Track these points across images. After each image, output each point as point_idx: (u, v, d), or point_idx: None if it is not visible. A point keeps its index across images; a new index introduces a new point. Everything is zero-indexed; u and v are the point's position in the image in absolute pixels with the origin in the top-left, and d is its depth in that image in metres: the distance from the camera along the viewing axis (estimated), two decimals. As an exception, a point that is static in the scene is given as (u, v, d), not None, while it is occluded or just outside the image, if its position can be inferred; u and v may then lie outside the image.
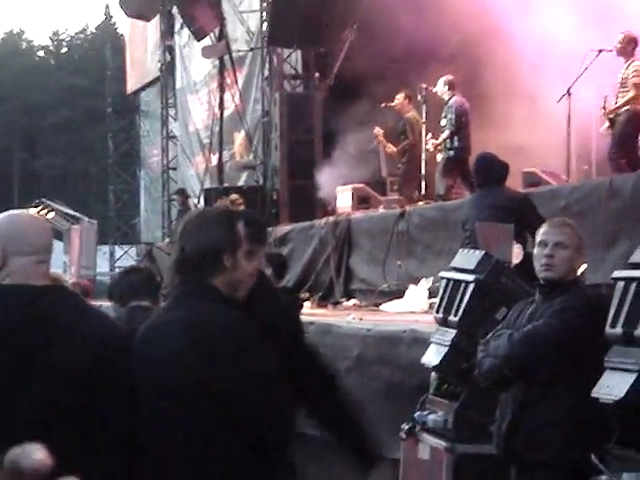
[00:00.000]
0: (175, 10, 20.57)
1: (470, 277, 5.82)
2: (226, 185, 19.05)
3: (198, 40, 19.38)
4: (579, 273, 5.26)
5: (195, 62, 21.16)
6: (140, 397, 3.33)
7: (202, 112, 21.17)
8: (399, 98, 14.21)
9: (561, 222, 5.08)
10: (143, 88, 27.68)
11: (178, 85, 24.08)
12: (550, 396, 4.72)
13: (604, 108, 11.27)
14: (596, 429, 4.48)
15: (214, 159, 19.79)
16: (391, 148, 14.40)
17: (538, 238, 4.94)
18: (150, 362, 3.38)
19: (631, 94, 10.97)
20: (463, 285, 5.87)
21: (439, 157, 13.13)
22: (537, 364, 4.74)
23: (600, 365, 4.43)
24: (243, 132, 19.25)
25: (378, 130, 14.39)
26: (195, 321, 3.39)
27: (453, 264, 6.20)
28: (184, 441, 3.33)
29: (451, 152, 12.89)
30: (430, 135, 13.28)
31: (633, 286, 4.23)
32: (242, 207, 16.24)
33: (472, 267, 5.87)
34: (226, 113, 19.25)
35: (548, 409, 4.71)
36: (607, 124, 11.27)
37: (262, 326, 3.47)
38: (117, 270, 26.10)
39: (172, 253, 3.57)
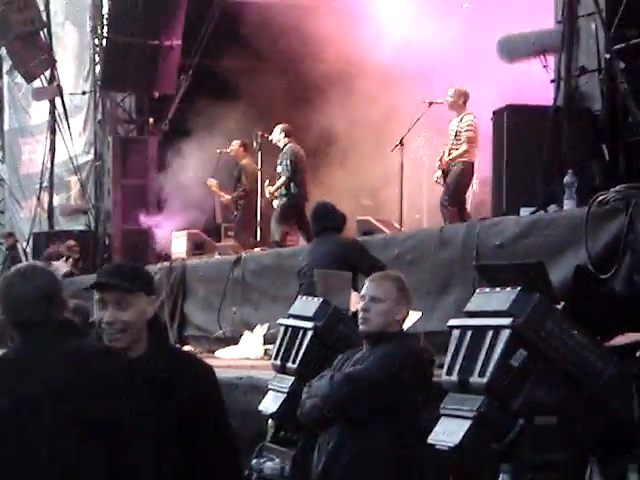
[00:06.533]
0: (3, 51, 20.13)
1: (308, 324, 5.86)
2: (57, 229, 18.68)
3: (28, 82, 19.02)
4: (409, 323, 5.40)
5: (35, 105, 20.74)
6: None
7: (37, 155, 20.73)
8: (234, 145, 14.27)
9: (381, 276, 5.23)
10: (-32, 129, 26.92)
11: (6, 127, 23.53)
12: (366, 436, 4.84)
13: (440, 161, 11.59)
14: (417, 472, 4.64)
15: (46, 203, 19.40)
16: (225, 197, 14.41)
17: (361, 292, 5.08)
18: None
19: (464, 147, 11.33)
20: (301, 332, 5.91)
21: (275, 203, 13.22)
22: (354, 404, 4.88)
23: (417, 410, 4.72)
24: (77, 177, 18.95)
25: (211, 181, 14.38)
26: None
27: (291, 311, 6.25)
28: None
29: (287, 199, 13.00)
30: (267, 182, 13.37)
31: (468, 334, 4.34)
32: (78, 253, 16.03)
33: (310, 314, 5.92)
34: (61, 157, 18.90)
35: (363, 449, 4.84)
36: (439, 173, 11.59)
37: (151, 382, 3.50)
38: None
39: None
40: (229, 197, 14.36)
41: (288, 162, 12.96)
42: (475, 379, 4.22)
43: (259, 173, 13.67)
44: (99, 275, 3.69)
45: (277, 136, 13.20)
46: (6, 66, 21.89)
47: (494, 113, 9.39)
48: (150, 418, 3.48)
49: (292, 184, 12.95)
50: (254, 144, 13.77)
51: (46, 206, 19.24)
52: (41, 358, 3.41)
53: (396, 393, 4.81)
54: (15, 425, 3.30)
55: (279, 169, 13.09)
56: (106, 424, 3.33)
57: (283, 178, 13.00)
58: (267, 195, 13.27)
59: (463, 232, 8.29)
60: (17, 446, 3.31)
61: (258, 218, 13.59)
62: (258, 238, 13.57)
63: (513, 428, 4.14)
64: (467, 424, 4.20)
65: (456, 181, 11.39)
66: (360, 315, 5.01)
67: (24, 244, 19.33)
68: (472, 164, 11.38)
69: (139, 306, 3.61)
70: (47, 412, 3.31)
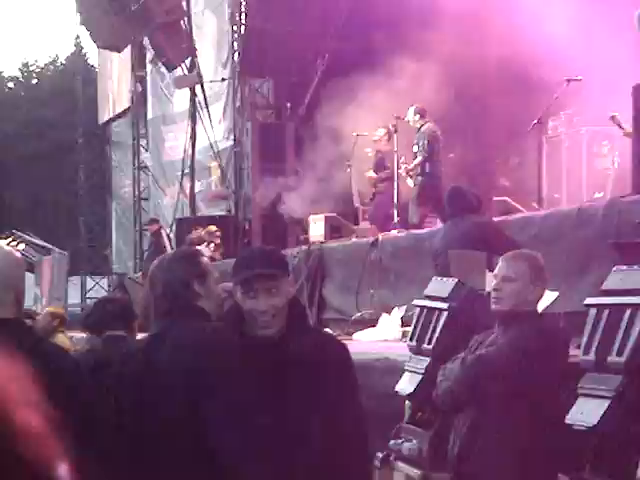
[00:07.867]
0: (146, 41, 20.58)
1: (443, 305, 5.84)
2: (198, 215, 19.03)
3: (169, 71, 19.41)
4: (545, 303, 5.30)
5: (177, 93, 21.18)
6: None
7: (179, 142, 21.16)
8: (380, 133, 14.23)
9: (514, 255, 5.09)
10: (114, 119, 27.60)
11: (150, 116, 24.06)
12: (500, 419, 4.76)
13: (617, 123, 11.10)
14: (554, 455, 4.56)
15: (188, 189, 19.78)
16: (371, 175, 14.33)
17: (495, 271, 5.01)
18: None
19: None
20: (437, 313, 5.89)
21: (410, 183, 13.18)
22: (486, 387, 4.80)
23: (552, 392, 4.59)
24: (217, 162, 19.27)
25: (353, 159, 14.40)
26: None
27: (427, 292, 6.22)
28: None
29: (423, 178, 12.95)
30: (403, 159, 13.32)
31: (605, 313, 4.26)
32: (219, 238, 16.32)
33: (445, 295, 5.90)
34: (202, 144, 19.25)
35: (498, 432, 4.76)
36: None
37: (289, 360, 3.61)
38: (88, 301, 25.94)
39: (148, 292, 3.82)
40: (374, 175, 14.29)
41: (425, 142, 12.91)
42: (613, 358, 4.14)
43: (395, 155, 13.62)
44: (248, 266, 3.69)
45: (412, 117, 13.16)
46: (149, 56, 22.38)
47: (634, 88, 9.15)
48: (283, 394, 3.54)
49: (428, 164, 12.89)
50: (390, 126, 13.73)
51: (188, 192, 19.61)
52: (162, 341, 3.59)
53: (529, 375, 4.70)
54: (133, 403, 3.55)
55: (415, 149, 13.04)
56: (218, 402, 3.44)
57: (419, 158, 12.95)
58: (402, 173, 13.22)
59: (603, 210, 8.13)
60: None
61: (395, 200, 13.55)
62: (395, 220, 13.54)
63: (653, 409, 4.05)
64: (605, 404, 4.13)
65: None
66: (492, 295, 4.94)
67: (167, 230, 19.76)
68: None
69: (286, 289, 3.70)
70: (151, 389, 3.51)
